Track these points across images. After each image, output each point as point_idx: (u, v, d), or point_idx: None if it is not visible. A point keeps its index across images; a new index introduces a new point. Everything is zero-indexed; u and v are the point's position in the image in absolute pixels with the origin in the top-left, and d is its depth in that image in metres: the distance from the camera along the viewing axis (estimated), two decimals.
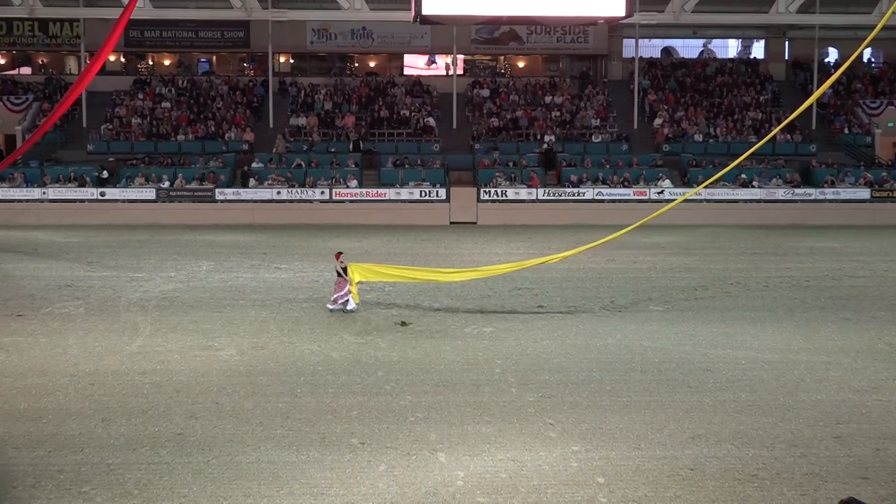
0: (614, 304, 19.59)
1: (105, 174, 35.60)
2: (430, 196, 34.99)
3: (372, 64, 45.53)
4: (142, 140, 38.69)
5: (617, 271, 23.49)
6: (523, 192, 35.12)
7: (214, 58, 45.53)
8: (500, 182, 35.54)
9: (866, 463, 10.87)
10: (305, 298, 19.74)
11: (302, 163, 36.54)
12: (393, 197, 34.95)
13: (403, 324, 17.54)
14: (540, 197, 35.11)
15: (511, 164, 36.96)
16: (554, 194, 35.15)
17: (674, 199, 35.01)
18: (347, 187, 35.16)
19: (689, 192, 21.13)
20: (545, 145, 38.59)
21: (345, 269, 18.34)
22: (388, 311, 18.67)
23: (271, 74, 40.59)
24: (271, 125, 40.05)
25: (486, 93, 42.09)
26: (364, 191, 35.05)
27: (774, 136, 39.17)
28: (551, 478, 10.39)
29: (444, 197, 34.95)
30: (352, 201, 35.00)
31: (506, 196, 35.08)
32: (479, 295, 20.19)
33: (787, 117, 38.74)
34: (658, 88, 42.56)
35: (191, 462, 10.80)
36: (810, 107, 40.67)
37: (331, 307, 18.27)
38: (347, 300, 18.23)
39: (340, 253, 18.86)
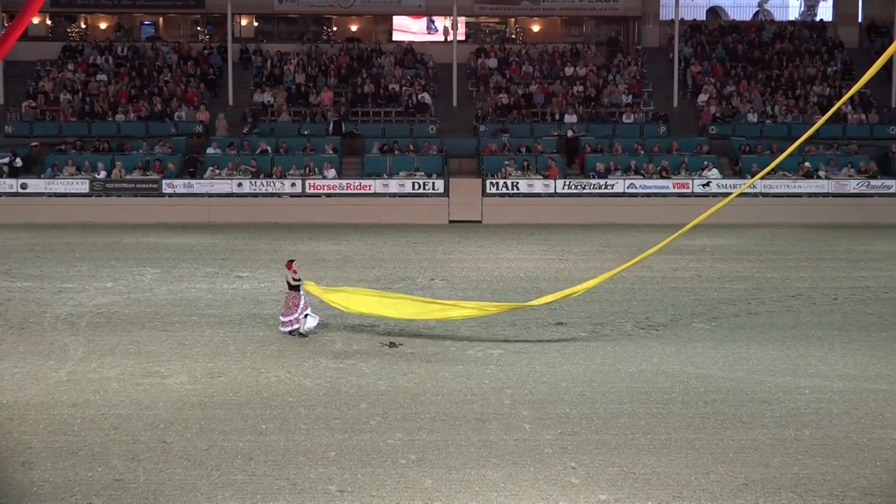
0: (650, 320, 19.59)
1: (18, 162, 35.51)
2: (424, 189, 34.99)
3: (354, 28, 45.57)
4: (72, 120, 38.69)
5: (653, 280, 23.49)
6: (538, 185, 35.13)
7: (161, 20, 45.54)
8: (510, 172, 35.55)
9: None
10: (272, 314, 19.71)
11: (268, 148, 36.55)
12: (380, 190, 34.96)
13: (392, 345, 17.53)
14: (559, 190, 35.11)
15: (523, 149, 36.96)
16: (576, 187, 35.16)
17: (725, 193, 35.21)
18: (324, 178, 35.16)
19: (745, 185, 20.75)
20: (570, 132, 38.63)
21: (298, 283, 17.92)
22: (372, 328, 18.66)
23: (230, 40, 40.62)
24: (230, 102, 40.06)
25: (493, 63, 42.12)
26: (344, 182, 35.05)
27: (846, 117, 39.21)
28: None
29: (441, 190, 34.97)
30: (329, 195, 34.99)
31: (517, 189, 35.09)
32: None
33: (860, 93, 38.88)
34: (703, 58, 42.61)
35: None
36: (890, 82, 40.69)
37: (285, 330, 18.03)
38: (307, 315, 17.97)
39: (293, 261, 18.28)
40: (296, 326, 17.94)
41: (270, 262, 25.78)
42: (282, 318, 18.13)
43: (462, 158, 37.43)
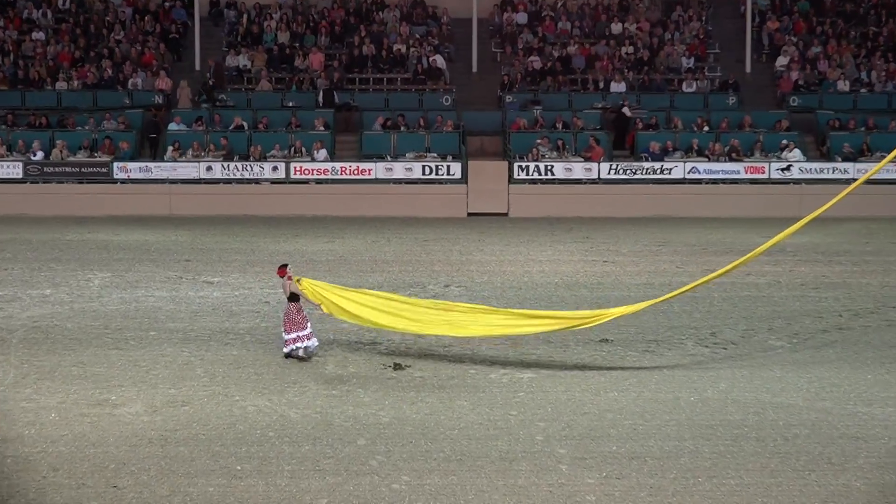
0: (717, 337, 19.54)
1: None
2: (437, 174, 34.99)
3: None
4: (2, 89, 38.79)
5: (721, 287, 23.42)
6: (578, 169, 35.08)
7: None
8: (543, 153, 35.50)
9: None
10: (249, 328, 19.72)
11: (244, 123, 36.58)
12: (382, 175, 34.99)
13: (397, 367, 17.51)
14: (603, 175, 35.07)
15: (560, 125, 36.90)
16: (625, 171, 35.10)
17: (809, 179, 35.12)
18: (313, 160, 35.18)
19: (875, 169, 19.72)
20: (624, 108, 38.55)
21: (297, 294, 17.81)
22: (372, 345, 18.64)
23: None
24: (197, 66, 40.11)
25: (522, 18, 42.07)
26: (338, 166, 35.09)
27: None
28: None
29: (458, 175, 34.99)
30: (319, 182, 35.01)
31: (552, 174, 35.05)
32: None
33: None
34: (783, 11, 42.46)
35: None
36: None
37: (288, 350, 17.90)
38: (310, 335, 17.82)
39: (286, 266, 18.22)
40: (300, 345, 17.77)
41: (247, 264, 25.79)
42: (285, 337, 17.92)
43: (484, 136, 37.41)
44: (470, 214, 34.37)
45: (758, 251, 18.80)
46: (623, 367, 17.64)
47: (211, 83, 38.64)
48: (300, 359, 17.73)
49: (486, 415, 15.28)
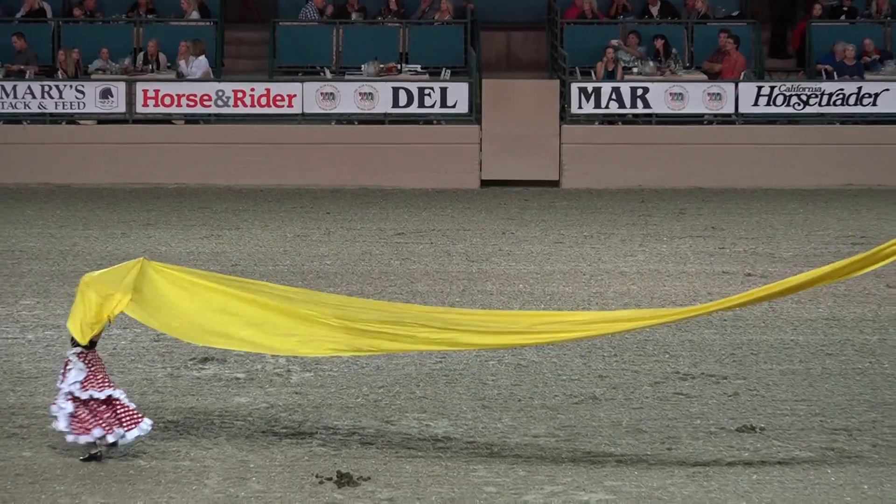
0: None
1: None
2: (424, 105, 35.14)
3: None
4: None
5: None
6: (695, 94, 35.12)
7: None
8: (625, 63, 35.52)
9: None
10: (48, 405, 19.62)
11: (47, 6, 36.58)
12: (316, 108, 35.13)
13: (344, 479, 17.33)
14: (746, 108, 35.25)
15: (655, 9, 36.96)
16: (788, 99, 35.12)
17: None
18: (180, 78, 35.19)
19: None
20: None
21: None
22: (297, 434, 18.55)
23: None
24: None
25: None
26: (229, 89, 35.20)
27: None
28: None
29: (464, 108, 35.15)
30: (192, 119, 35.22)
31: (644, 104, 35.15)
32: (568, 396, 20.10)
33: None
34: None
35: None
36: None
37: (83, 439, 17.76)
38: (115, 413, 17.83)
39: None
40: (100, 435, 17.70)
41: (51, 280, 26.00)
42: (56, 412, 17.88)
43: (511, 31, 37.78)
44: (486, 183, 34.52)
45: None
46: (784, 478, 17.47)
47: None
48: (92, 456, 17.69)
49: None
